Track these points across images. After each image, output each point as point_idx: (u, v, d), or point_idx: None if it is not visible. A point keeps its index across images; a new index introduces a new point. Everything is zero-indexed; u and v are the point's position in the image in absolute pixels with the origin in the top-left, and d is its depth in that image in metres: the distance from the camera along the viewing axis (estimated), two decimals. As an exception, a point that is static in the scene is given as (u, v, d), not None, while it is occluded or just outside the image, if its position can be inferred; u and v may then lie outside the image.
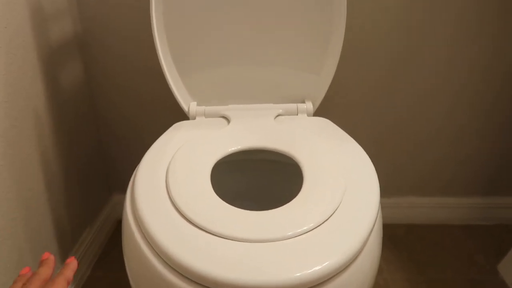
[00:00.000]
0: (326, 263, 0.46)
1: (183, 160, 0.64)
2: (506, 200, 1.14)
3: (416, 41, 0.95)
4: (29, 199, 0.79)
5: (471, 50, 0.96)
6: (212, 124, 0.78)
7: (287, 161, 0.68)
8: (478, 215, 1.15)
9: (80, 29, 0.97)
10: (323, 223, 0.51)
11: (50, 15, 0.86)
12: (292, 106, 0.81)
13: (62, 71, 0.91)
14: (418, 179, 1.13)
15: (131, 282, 0.58)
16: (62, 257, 0.92)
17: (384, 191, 0.98)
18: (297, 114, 0.81)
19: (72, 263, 0.46)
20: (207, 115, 0.81)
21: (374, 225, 0.54)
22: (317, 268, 0.45)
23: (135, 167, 0.66)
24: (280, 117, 0.80)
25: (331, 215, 0.53)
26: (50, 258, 0.46)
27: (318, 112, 0.84)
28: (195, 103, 0.82)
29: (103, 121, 1.08)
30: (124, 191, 0.64)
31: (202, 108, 0.81)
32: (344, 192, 0.57)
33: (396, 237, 1.12)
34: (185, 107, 0.82)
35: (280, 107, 0.81)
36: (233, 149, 0.69)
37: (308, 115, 0.81)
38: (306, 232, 0.50)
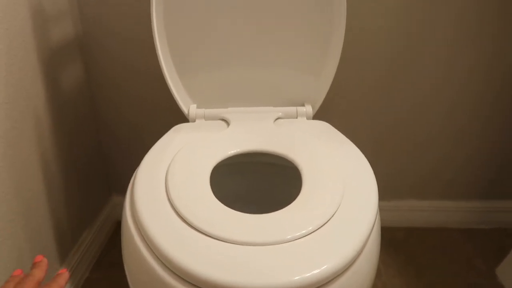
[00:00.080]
0: (325, 267, 0.46)
1: (183, 163, 0.65)
2: (505, 204, 1.14)
3: (416, 41, 0.96)
4: (29, 200, 0.79)
5: (471, 50, 0.96)
6: (212, 127, 0.78)
7: (286, 164, 0.68)
8: (477, 218, 1.15)
9: (80, 31, 0.98)
10: (322, 226, 0.52)
11: (51, 16, 0.86)
12: (292, 109, 0.82)
13: (62, 72, 0.91)
14: (417, 182, 1.13)
15: (130, 285, 0.58)
16: (62, 257, 0.92)
17: (384, 194, 0.99)
18: (296, 117, 0.81)
19: (65, 274, 0.46)
20: (206, 117, 0.81)
21: (372, 228, 0.54)
22: (315, 271, 0.45)
23: (135, 168, 0.66)
24: (279, 120, 0.80)
25: (329, 219, 0.53)
26: (43, 260, 0.47)
27: (317, 112, 0.84)
28: (195, 105, 0.83)
29: (103, 122, 1.09)
30: (123, 192, 0.64)
31: (202, 111, 0.82)
32: (342, 196, 0.57)
33: (396, 240, 1.12)
34: (185, 109, 0.82)
35: (280, 110, 0.82)
36: (232, 152, 0.70)
37: (308, 118, 0.81)
38: (305, 236, 0.50)
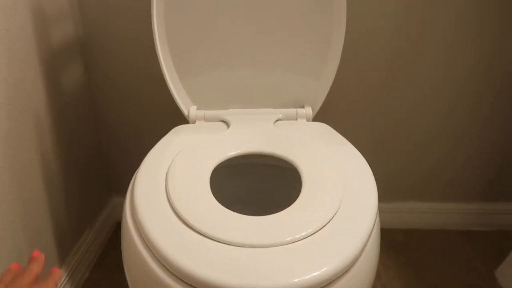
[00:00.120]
0: (325, 269, 0.46)
1: (183, 164, 0.65)
2: (505, 206, 1.14)
3: (416, 41, 0.96)
4: (29, 200, 0.79)
5: (471, 50, 0.96)
6: (212, 128, 0.78)
7: (286, 166, 0.68)
8: (477, 220, 1.15)
9: (81, 32, 0.98)
10: (321, 228, 0.52)
11: (52, 17, 0.86)
12: (292, 111, 0.82)
13: (63, 73, 0.91)
14: (417, 182, 1.13)
15: (130, 286, 0.58)
16: (62, 257, 0.92)
17: (384, 195, 0.98)
18: (296, 119, 0.81)
19: (60, 271, 0.47)
20: (207, 119, 0.82)
21: (372, 230, 0.54)
22: (315, 273, 0.45)
23: (135, 169, 0.66)
24: (279, 122, 0.81)
25: (329, 221, 0.53)
26: (40, 256, 0.47)
27: (317, 113, 0.84)
28: (195, 107, 0.83)
29: (103, 123, 1.09)
30: (123, 193, 0.64)
31: (202, 112, 0.82)
32: (342, 198, 0.57)
33: (395, 242, 1.12)
34: (185, 111, 0.83)
35: (280, 112, 0.82)
36: (232, 153, 0.70)
37: (307, 120, 0.81)
38: (305, 237, 0.50)
